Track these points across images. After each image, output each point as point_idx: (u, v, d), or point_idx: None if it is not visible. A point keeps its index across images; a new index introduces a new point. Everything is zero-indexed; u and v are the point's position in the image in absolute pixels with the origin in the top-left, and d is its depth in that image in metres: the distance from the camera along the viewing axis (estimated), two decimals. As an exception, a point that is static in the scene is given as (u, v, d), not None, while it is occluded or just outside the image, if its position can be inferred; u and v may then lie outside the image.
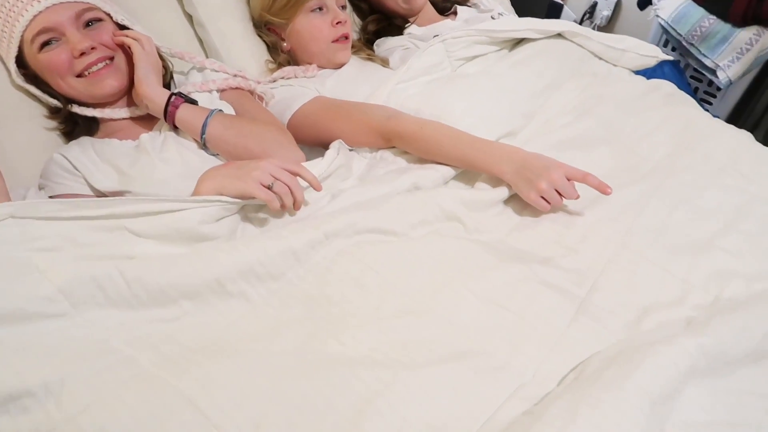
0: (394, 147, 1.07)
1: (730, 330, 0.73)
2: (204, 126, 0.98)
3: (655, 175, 1.05)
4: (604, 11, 2.62)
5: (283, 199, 0.87)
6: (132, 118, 1.06)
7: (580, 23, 2.73)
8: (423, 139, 1.01)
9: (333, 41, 1.25)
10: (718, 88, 2.13)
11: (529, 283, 0.81)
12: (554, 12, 2.65)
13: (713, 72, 2.06)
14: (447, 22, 1.44)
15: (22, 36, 0.96)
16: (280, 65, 1.30)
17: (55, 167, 1.00)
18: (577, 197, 0.93)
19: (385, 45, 1.40)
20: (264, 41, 1.32)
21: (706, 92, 2.22)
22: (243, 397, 0.67)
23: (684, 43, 2.10)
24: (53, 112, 1.07)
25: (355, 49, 1.35)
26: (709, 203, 0.99)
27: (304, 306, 0.79)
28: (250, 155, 0.97)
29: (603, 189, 0.91)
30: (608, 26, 2.67)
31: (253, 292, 0.81)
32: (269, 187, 0.86)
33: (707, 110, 2.16)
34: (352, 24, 1.41)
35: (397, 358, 0.71)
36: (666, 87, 1.28)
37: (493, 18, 1.49)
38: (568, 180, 0.92)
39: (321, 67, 1.29)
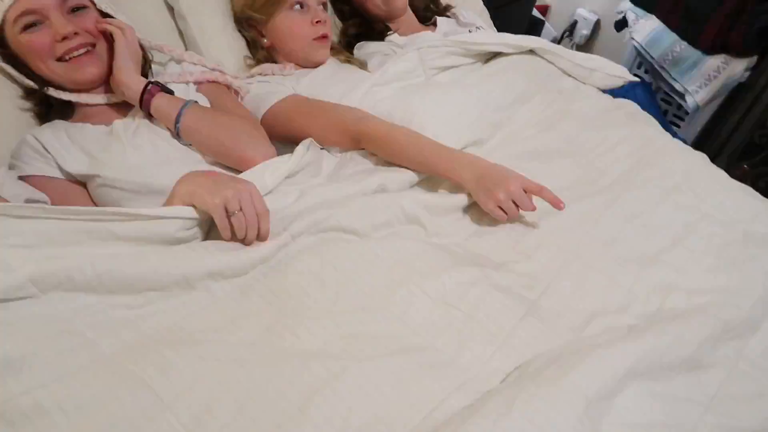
0: (363, 149, 1.10)
1: (666, 337, 0.77)
2: (179, 116, 1.00)
3: (612, 189, 1.09)
4: (583, 30, 2.69)
5: (237, 233, 0.85)
6: (107, 105, 1.07)
7: (560, 41, 2.79)
8: (390, 143, 1.04)
9: (312, 39, 1.28)
10: (687, 112, 2.20)
11: (481, 285, 0.84)
12: (535, 28, 2.71)
13: (682, 96, 2.13)
14: (427, 34, 1.48)
15: (4, 16, 0.96)
16: (258, 62, 1.33)
17: (26, 148, 1.01)
18: (533, 209, 0.97)
19: (365, 49, 1.44)
20: (244, 37, 1.35)
21: (675, 115, 2.29)
22: (196, 382, 0.69)
23: (656, 66, 2.17)
24: (28, 94, 1.08)
25: (334, 51, 1.38)
26: (660, 219, 1.04)
27: (263, 299, 0.82)
28: (222, 147, 1.00)
29: (556, 204, 0.96)
30: (586, 45, 2.74)
31: (217, 287, 0.84)
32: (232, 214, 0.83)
33: (675, 133, 2.24)
34: (333, 27, 1.44)
35: (348, 350, 0.74)
36: (629, 106, 1.33)
37: (470, 32, 1.53)
38: (525, 192, 0.95)
39: (299, 65, 1.32)
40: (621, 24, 2.31)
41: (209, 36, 1.29)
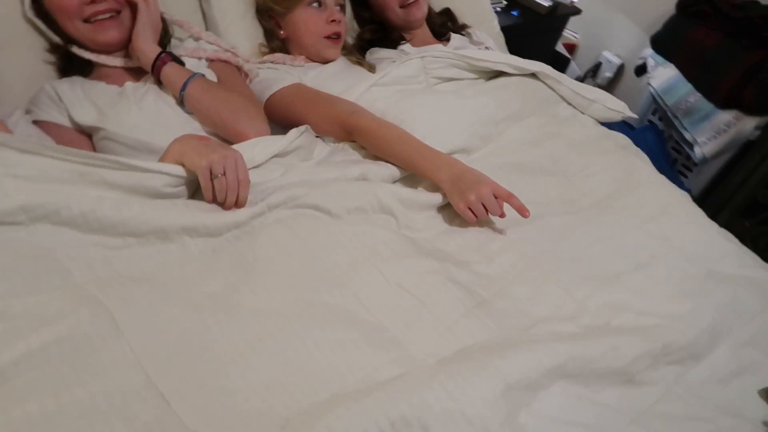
0: (354, 141, 1.16)
1: (601, 345, 0.81)
2: (185, 84, 1.08)
3: (588, 211, 1.13)
4: (606, 72, 2.74)
5: (217, 196, 0.91)
6: (123, 68, 1.16)
7: (583, 80, 2.84)
8: (377, 137, 1.11)
9: (325, 36, 1.36)
10: (695, 163, 2.22)
11: (438, 277, 0.89)
12: (560, 65, 2.77)
13: (691, 146, 2.16)
14: (439, 47, 1.54)
15: None
16: (272, 51, 1.42)
17: (43, 96, 1.10)
18: (501, 215, 1.01)
19: (376, 54, 1.51)
20: (262, 26, 1.44)
21: (683, 165, 2.31)
22: (153, 317, 0.75)
23: (669, 114, 2.21)
24: (53, 48, 1.16)
25: (346, 52, 1.46)
26: (627, 245, 1.07)
27: (231, 259, 0.88)
28: (219, 119, 1.08)
29: (522, 212, 1.00)
30: (608, 87, 2.78)
31: (191, 242, 0.90)
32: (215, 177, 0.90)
33: (682, 182, 2.26)
34: (349, 29, 1.52)
35: (299, 313, 0.79)
36: (621, 139, 1.37)
37: (479, 50, 1.60)
38: (496, 198, 1.00)
39: (309, 59, 1.40)
40: (641, 69, 2.36)
41: (229, 20, 1.38)
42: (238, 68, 1.27)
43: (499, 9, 2.12)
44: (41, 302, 0.71)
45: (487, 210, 1.01)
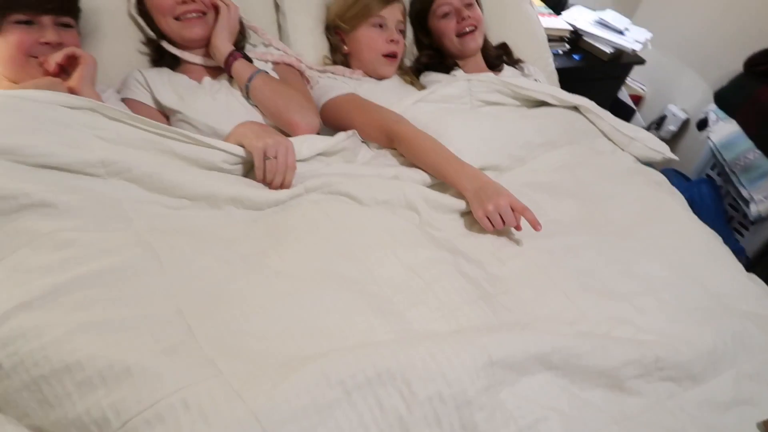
0: (395, 149, 1.28)
1: (590, 344, 0.86)
2: (250, 78, 1.25)
3: (610, 235, 1.17)
4: (670, 126, 2.74)
5: (267, 175, 1.06)
6: (203, 66, 1.35)
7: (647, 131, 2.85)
8: (414, 145, 1.22)
9: (382, 54, 1.51)
10: (752, 222, 2.18)
11: (449, 267, 0.97)
12: (624, 115, 2.79)
13: (747, 203, 2.13)
14: (490, 75, 1.65)
15: None
16: (334, 63, 1.58)
17: (132, 79, 1.30)
18: (517, 227, 1.09)
19: (429, 77, 1.64)
20: (329, 41, 1.61)
21: (740, 223, 2.27)
22: (192, 264, 0.88)
23: (727, 169, 2.19)
24: (147, 42, 1.38)
25: (402, 72, 1.60)
26: (644, 270, 1.10)
27: (267, 229, 1.00)
28: (276, 109, 1.24)
29: (534, 224, 1.08)
30: (671, 140, 2.78)
31: (236, 212, 1.04)
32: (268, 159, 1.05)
33: (736, 240, 2.22)
34: (408, 53, 1.67)
35: (315, 278, 0.89)
36: (655, 175, 1.40)
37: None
38: (513, 210, 1.08)
39: (366, 74, 1.54)
40: (702, 123, 2.36)
41: (300, 33, 1.57)
42: (301, 73, 1.44)
43: (561, 51, 2.21)
44: (104, 238, 0.85)
45: (504, 221, 1.08)
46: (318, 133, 1.27)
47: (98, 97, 1.14)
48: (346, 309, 0.85)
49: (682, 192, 1.47)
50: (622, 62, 2.31)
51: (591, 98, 1.53)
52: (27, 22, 1.13)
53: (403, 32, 1.56)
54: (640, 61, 2.35)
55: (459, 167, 1.17)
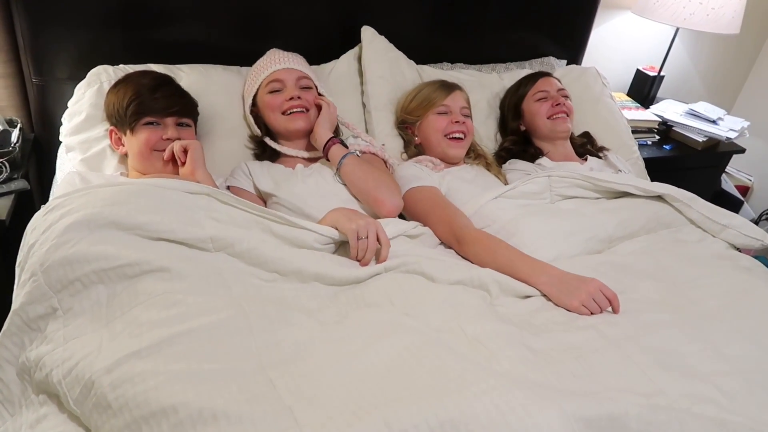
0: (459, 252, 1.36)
1: (666, 414, 0.81)
2: (343, 157, 1.43)
3: (693, 315, 1.13)
4: (783, 217, 2.58)
5: (359, 253, 1.18)
6: (298, 158, 1.56)
7: (757, 222, 2.70)
8: (483, 246, 1.30)
9: (445, 135, 1.63)
10: None
11: (514, 339, 0.99)
12: (731, 206, 2.67)
13: None
14: (575, 164, 1.70)
15: (261, 83, 1.54)
16: (409, 157, 1.72)
17: (238, 170, 1.53)
18: (615, 309, 1.12)
19: (514, 165, 1.73)
20: (402, 138, 1.77)
21: None
22: (278, 329, 0.98)
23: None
24: (253, 138, 1.63)
25: (475, 154, 1.73)
26: (731, 351, 1.03)
27: (347, 299, 1.11)
28: (365, 187, 1.40)
29: (616, 311, 1.11)
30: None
31: (321, 286, 1.15)
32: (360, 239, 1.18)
33: None
34: (490, 140, 1.82)
35: (386, 342, 0.94)
36: (745, 261, 1.33)
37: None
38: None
39: (438, 158, 1.65)
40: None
41: (382, 127, 1.78)
42: (384, 162, 1.60)
43: (649, 142, 2.21)
44: (205, 300, 0.98)
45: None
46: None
47: (209, 176, 1.36)
48: (413, 364, 0.88)
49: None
50: (719, 151, 2.26)
51: (688, 189, 1.52)
52: (154, 123, 1.38)
53: (467, 116, 1.69)
54: (740, 150, 2.28)
55: (530, 262, 1.22)
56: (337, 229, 1.22)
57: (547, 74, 1.84)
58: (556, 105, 1.74)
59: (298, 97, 1.51)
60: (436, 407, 0.75)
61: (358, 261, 1.19)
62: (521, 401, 0.77)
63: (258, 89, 1.57)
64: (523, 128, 1.82)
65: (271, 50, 1.65)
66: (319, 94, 1.60)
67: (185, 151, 1.36)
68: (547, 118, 1.74)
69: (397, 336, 0.93)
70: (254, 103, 1.59)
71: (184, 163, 1.36)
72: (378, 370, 0.87)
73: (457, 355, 0.91)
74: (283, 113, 1.52)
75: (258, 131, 1.60)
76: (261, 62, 1.61)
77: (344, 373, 0.87)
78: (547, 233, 1.36)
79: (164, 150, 1.37)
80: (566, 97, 1.77)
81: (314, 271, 1.13)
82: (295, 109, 1.51)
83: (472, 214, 1.45)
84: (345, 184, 1.46)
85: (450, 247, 1.39)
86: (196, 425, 0.78)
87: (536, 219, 1.40)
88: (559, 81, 1.84)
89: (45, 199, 1.66)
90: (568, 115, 1.74)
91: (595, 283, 1.13)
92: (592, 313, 1.11)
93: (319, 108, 1.54)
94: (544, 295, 1.18)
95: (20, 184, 1.51)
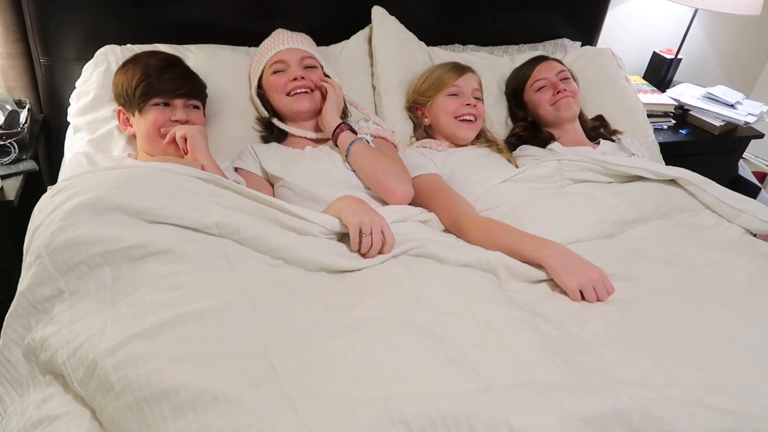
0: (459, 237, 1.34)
1: (675, 408, 0.79)
2: (351, 143, 1.40)
3: (708, 302, 1.10)
4: (803, 204, 2.52)
5: (361, 249, 1.14)
6: (307, 138, 1.54)
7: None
8: (482, 229, 1.28)
9: (455, 117, 1.60)
10: None
11: (524, 324, 0.97)
12: (749, 192, 2.62)
13: None
14: (587, 149, 1.66)
15: (265, 64, 1.52)
16: (418, 140, 1.70)
17: (246, 152, 1.51)
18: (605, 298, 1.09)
19: (525, 151, 1.69)
20: (411, 120, 1.74)
21: None
22: (282, 312, 0.97)
23: None
24: (260, 119, 1.61)
25: (486, 139, 1.69)
26: (747, 339, 1.01)
27: (354, 284, 1.09)
28: (374, 175, 1.37)
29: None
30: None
31: (326, 273, 1.12)
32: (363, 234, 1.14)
33: None
34: (502, 125, 1.79)
35: (393, 329, 0.94)
36: (762, 246, 1.29)
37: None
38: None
39: (448, 140, 1.62)
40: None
41: (392, 110, 1.75)
42: (394, 146, 1.57)
43: (665, 126, 2.17)
44: (210, 282, 0.97)
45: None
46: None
47: (213, 161, 1.34)
48: (419, 358, 0.87)
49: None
50: (737, 136, 2.21)
51: (704, 174, 1.47)
52: (162, 104, 1.37)
53: (479, 99, 1.65)
54: (758, 135, 2.23)
55: (534, 239, 1.19)
56: (340, 219, 1.19)
57: (544, 58, 1.79)
58: (557, 93, 1.69)
59: (302, 77, 1.49)
60: (438, 400, 0.74)
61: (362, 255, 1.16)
62: (522, 399, 0.76)
63: (263, 70, 1.55)
64: (530, 119, 1.79)
65: (276, 30, 1.62)
66: (326, 75, 1.57)
67: (186, 140, 1.34)
68: (551, 105, 1.70)
69: (403, 331, 0.92)
70: (260, 85, 1.58)
71: (186, 152, 1.34)
72: (382, 368, 0.85)
73: (462, 351, 0.90)
74: (288, 94, 1.50)
75: (265, 113, 1.58)
76: (266, 43, 1.59)
77: (349, 363, 0.86)
78: (555, 216, 1.33)
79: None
80: (567, 79, 1.72)
81: (319, 260, 1.11)
82: (299, 90, 1.49)
83: (479, 196, 1.43)
84: (354, 171, 1.44)
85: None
86: (196, 407, 0.77)
87: (545, 202, 1.38)
88: (560, 62, 1.79)
89: (54, 179, 1.66)
90: (572, 98, 1.69)
91: (600, 271, 1.10)
92: (583, 299, 1.09)
93: (322, 90, 1.52)
94: (551, 280, 1.16)
95: (29, 164, 1.51)
